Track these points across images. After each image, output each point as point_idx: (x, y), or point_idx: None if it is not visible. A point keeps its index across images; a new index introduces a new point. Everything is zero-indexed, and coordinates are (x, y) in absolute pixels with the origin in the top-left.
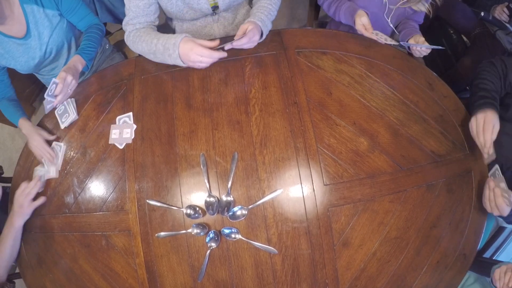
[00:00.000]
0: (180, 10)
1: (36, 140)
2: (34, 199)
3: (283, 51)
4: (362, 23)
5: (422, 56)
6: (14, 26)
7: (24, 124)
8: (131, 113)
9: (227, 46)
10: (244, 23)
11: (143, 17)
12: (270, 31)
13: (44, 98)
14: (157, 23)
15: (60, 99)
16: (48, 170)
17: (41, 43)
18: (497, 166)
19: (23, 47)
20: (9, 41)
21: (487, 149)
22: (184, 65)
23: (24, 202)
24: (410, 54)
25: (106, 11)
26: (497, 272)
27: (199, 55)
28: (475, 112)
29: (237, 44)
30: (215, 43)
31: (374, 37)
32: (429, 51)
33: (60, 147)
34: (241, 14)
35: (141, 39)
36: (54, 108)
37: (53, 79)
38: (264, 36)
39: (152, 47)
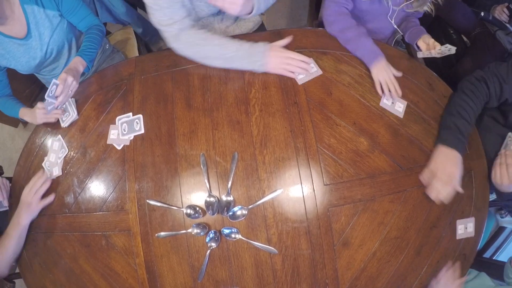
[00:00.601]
0: (184, 5)
1: (41, 111)
2: (43, 197)
3: None
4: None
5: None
6: (15, 26)
7: (25, 112)
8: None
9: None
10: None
11: (181, 9)
12: (270, 31)
13: (44, 99)
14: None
15: (61, 100)
16: (69, 117)
17: (42, 43)
18: (509, 133)
19: (23, 47)
20: (10, 42)
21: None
22: (261, 71)
23: (33, 200)
24: (410, 54)
25: (106, 11)
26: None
27: (286, 58)
28: (438, 142)
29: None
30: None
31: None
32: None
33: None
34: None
35: (210, 42)
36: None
37: (54, 80)
38: (253, 13)
39: (229, 52)
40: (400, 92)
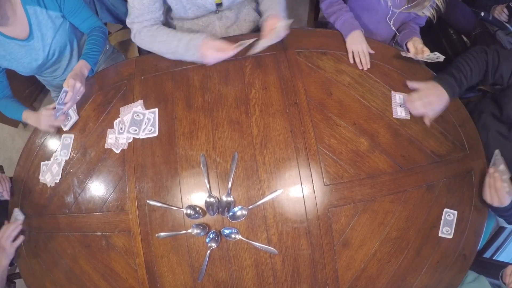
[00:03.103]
0: (183, 6)
1: (44, 114)
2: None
3: (283, 51)
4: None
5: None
6: (17, 27)
7: (28, 115)
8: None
9: (257, 49)
10: (268, 19)
11: (149, 14)
12: None
13: (43, 100)
14: (162, 19)
15: (70, 105)
16: (70, 120)
17: (44, 44)
18: (497, 151)
19: (25, 48)
20: (11, 43)
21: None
22: (201, 62)
23: (6, 244)
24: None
25: (107, 11)
26: (510, 268)
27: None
28: (433, 79)
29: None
30: (231, 47)
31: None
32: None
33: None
34: (243, 13)
35: (156, 39)
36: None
37: (64, 88)
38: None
39: (171, 48)
40: (369, 65)
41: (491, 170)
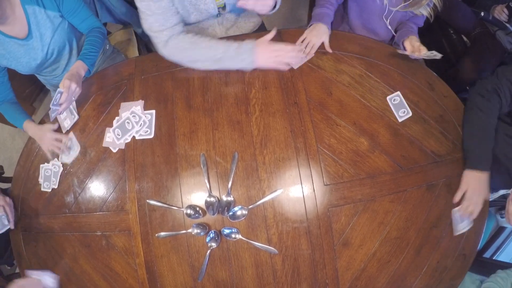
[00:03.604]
0: (186, 11)
1: (48, 136)
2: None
3: None
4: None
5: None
6: (16, 26)
7: (30, 127)
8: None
9: (240, 2)
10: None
11: (174, 17)
12: (270, 31)
13: (42, 102)
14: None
15: (65, 107)
16: (68, 156)
17: (43, 44)
18: None
19: (24, 47)
20: (11, 42)
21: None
22: (251, 69)
23: None
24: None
25: (106, 11)
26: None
27: (274, 51)
28: (466, 168)
29: (244, 1)
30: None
31: (422, 56)
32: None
33: (71, 139)
34: (243, 15)
35: (198, 46)
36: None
37: (58, 89)
38: (277, 7)
39: (218, 54)
40: (311, 56)
41: (511, 196)
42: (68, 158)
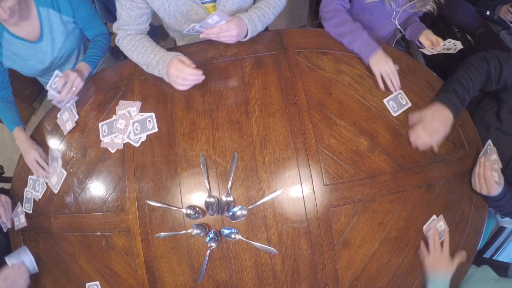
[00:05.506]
0: (177, 21)
1: (32, 155)
2: None
3: (283, 51)
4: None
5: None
6: (27, 28)
7: (20, 135)
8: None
9: (202, 35)
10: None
11: (134, 26)
12: (270, 31)
13: (42, 102)
14: (148, 30)
15: (64, 94)
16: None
17: (54, 48)
18: (489, 141)
19: (32, 50)
20: (19, 43)
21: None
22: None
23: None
24: (410, 53)
25: (106, 11)
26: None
27: (177, 70)
28: (436, 100)
29: (207, 32)
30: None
31: (439, 49)
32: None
33: (57, 162)
34: None
35: (136, 50)
36: (58, 110)
37: (56, 71)
38: (248, 36)
39: (147, 60)
40: (399, 84)
41: (482, 159)
42: (51, 181)
